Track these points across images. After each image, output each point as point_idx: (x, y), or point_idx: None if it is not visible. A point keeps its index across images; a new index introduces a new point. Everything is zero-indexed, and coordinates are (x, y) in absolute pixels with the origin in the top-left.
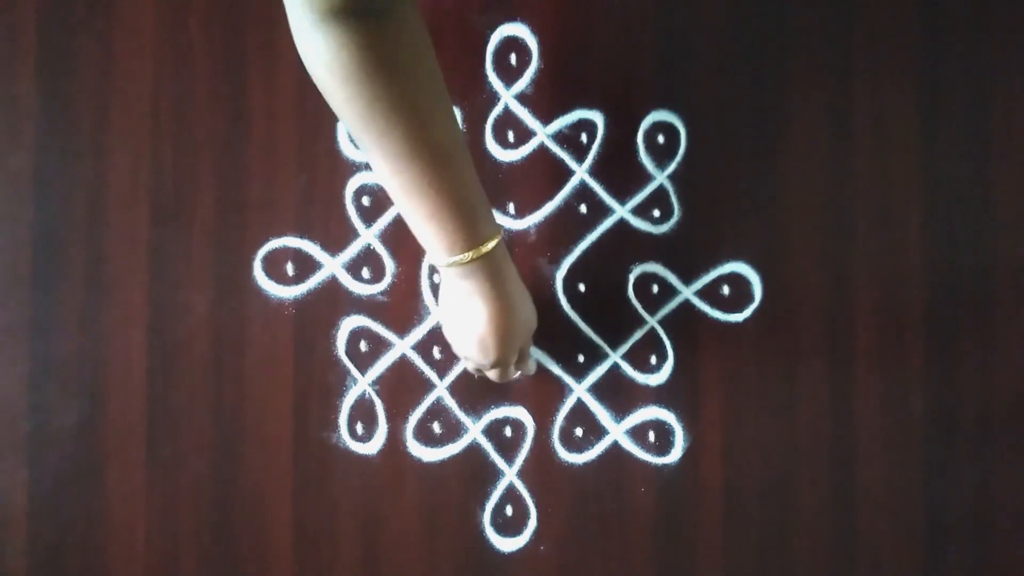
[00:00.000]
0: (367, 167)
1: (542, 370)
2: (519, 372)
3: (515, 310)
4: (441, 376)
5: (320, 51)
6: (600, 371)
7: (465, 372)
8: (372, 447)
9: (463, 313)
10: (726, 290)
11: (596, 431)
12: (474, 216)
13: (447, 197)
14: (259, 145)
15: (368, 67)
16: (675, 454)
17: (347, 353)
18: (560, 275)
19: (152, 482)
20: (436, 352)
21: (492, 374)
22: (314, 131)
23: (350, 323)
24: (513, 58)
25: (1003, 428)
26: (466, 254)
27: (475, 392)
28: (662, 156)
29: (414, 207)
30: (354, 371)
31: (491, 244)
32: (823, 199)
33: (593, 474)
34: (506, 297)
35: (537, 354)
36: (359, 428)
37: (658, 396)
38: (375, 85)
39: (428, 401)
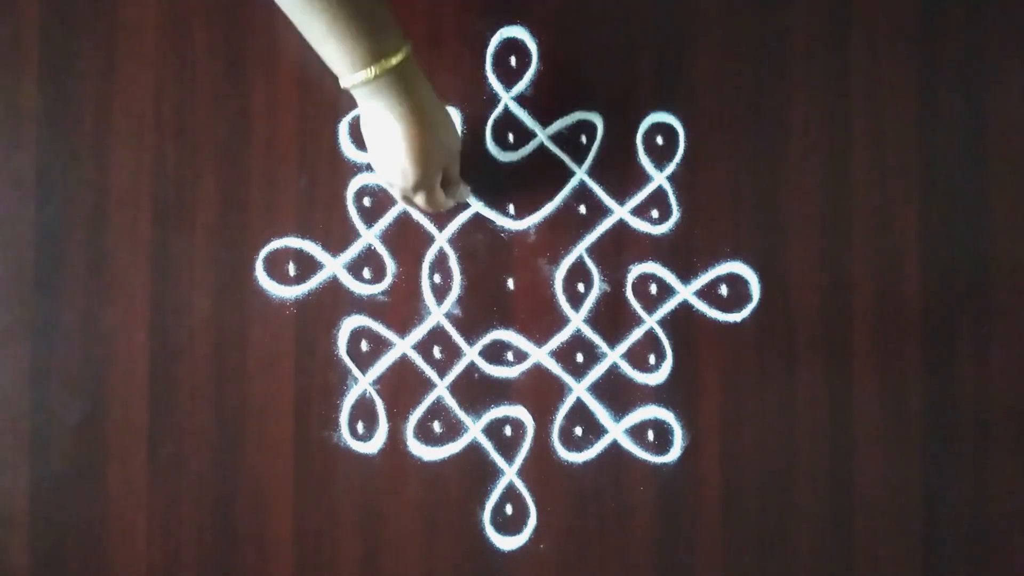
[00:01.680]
0: (368, 167)
1: (542, 370)
2: (451, 200)
3: (431, 128)
4: (441, 376)
5: None
6: (599, 370)
7: (466, 371)
8: (373, 446)
9: (380, 135)
10: (724, 290)
11: (595, 430)
12: (375, 29)
13: (343, 9)
14: (260, 146)
15: None
16: (674, 453)
17: (348, 353)
18: (559, 275)
19: (154, 481)
20: (436, 352)
21: (420, 200)
22: (315, 132)
23: (351, 323)
24: (513, 60)
25: (1001, 428)
26: (370, 69)
27: (475, 391)
28: (661, 157)
29: (312, 22)
30: (355, 371)
31: (396, 59)
32: (821, 199)
33: (592, 473)
34: (420, 113)
35: (537, 356)
36: (360, 427)
37: (657, 395)
38: None
39: (428, 400)
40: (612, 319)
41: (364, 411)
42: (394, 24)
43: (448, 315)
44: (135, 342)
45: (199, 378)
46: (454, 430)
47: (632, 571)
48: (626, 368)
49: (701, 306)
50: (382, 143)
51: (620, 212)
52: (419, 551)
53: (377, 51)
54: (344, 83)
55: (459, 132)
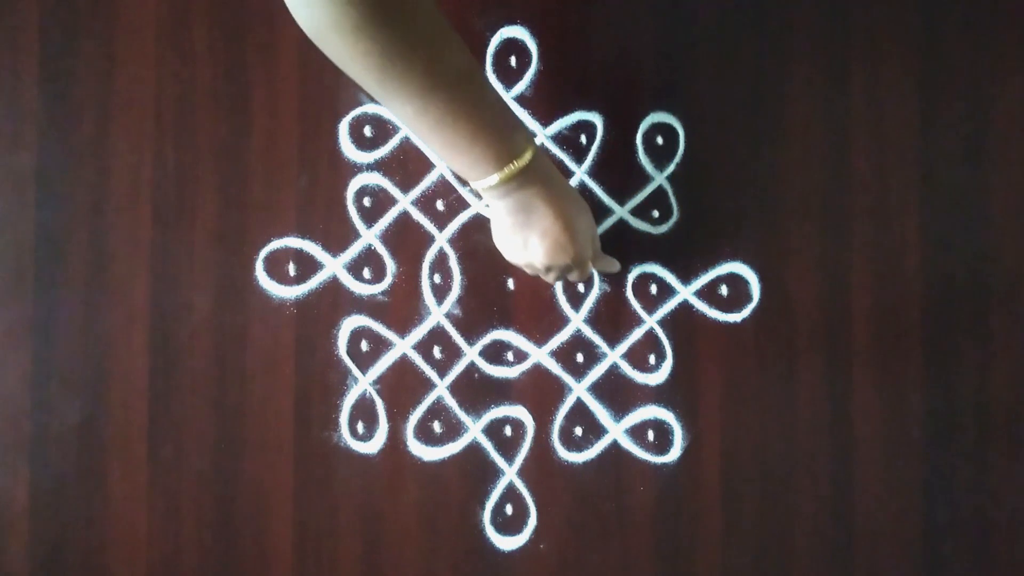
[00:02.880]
0: (368, 168)
1: (542, 370)
2: (605, 268)
3: (577, 201)
4: (441, 376)
5: (325, 13)
6: (599, 371)
7: (466, 371)
8: (373, 446)
9: (529, 224)
10: (724, 290)
11: (595, 430)
12: (510, 127)
13: (481, 116)
14: (261, 146)
15: (377, 12)
16: (674, 453)
17: (348, 353)
18: None
19: (154, 481)
20: (436, 352)
21: (575, 275)
22: (315, 132)
23: (351, 323)
24: (513, 60)
25: (1001, 428)
26: (513, 164)
27: (475, 391)
28: (661, 157)
29: (452, 138)
30: (355, 371)
31: (531, 151)
32: (821, 200)
33: (593, 473)
34: (565, 192)
35: (537, 356)
36: (360, 427)
37: (657, 395)
38: (388, 28)
39: (428, 400)
40: (612, 319)
41: (364, 411)
42: (518, 118)
43: (448, 315)
44: (135, 342)
45: (199, 378)
46: (454, 430)
47: (632, 571)
48: (626, 368)
49: (701, 306)
50: (534, 230)
51: (620, 212)
52: (419, 551)
53: (517, 146)
54: (483, 184)
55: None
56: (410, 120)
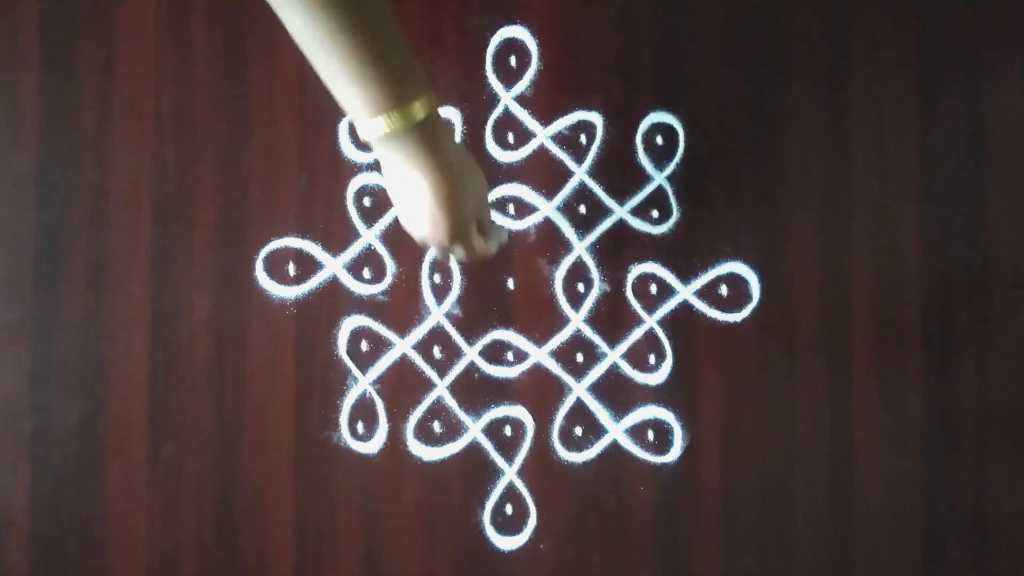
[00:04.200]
0: (369, 168)
1: (542, 370)
2: (492, 246)
3: (459, 177)
4: (441, 376)
5: None
6: (599, 370)
7: (466, 371)
8: (373, 446)
9: (407, 189)
10: (724, 290)
11: (595, 430)
12: (400, 75)
13: (367, 52)
14: (261, 146)
15: None
16: (674, 453)
17: (348, 353)
18: (559, 275)
19: (153, 481)
20: (436, 352)
21: (459, 252)
22: (315, 132)
23: (351, 323)
24: (513, 60)
25: (1001, 427)
26: (390, 119)
27: (475, 391)
28: (661, 157)
29: (341, 59)
30: (355, 371)
31: (420, 109)
32: (821, 199)
33: (592, 473)
34: (447, 164)
35: (537, 356)
36: (360, 427)
37: (657, 395)
38: None
39: (428, 400)
40: (612, 319)
41: (364, 411)
42: (419, 73)
43: (448, 315)
44: (135, 342)
45: (199, 378)
46: (454, 430)
47: (632, 571)
48: (626, 368)
49: (701, 306)
50: (409, 197)
51: (620, 212)
52: (419, 551)
53: (400, 100)
54: (363, 134)
55: (485, 180)
56: (299, 34)
